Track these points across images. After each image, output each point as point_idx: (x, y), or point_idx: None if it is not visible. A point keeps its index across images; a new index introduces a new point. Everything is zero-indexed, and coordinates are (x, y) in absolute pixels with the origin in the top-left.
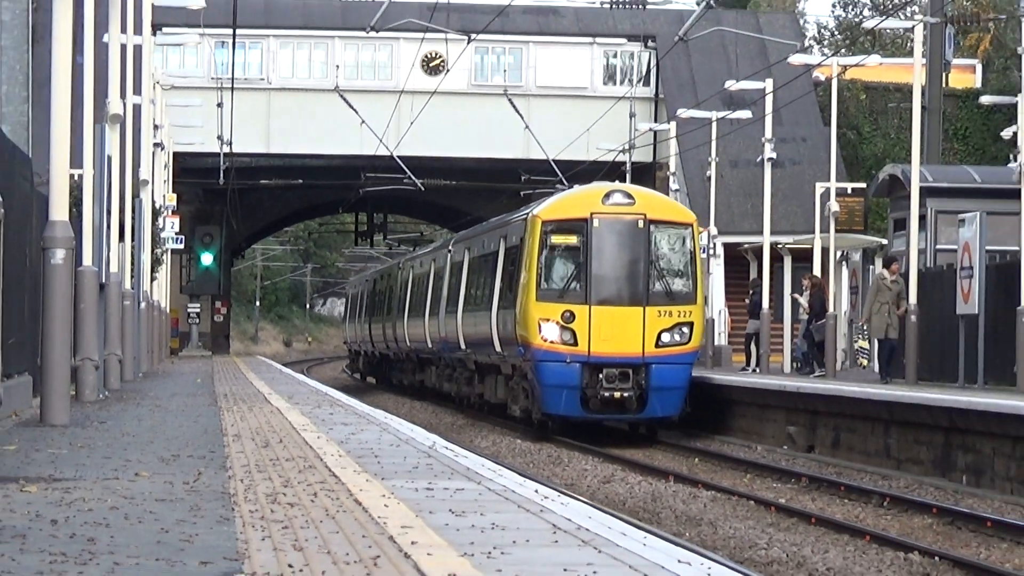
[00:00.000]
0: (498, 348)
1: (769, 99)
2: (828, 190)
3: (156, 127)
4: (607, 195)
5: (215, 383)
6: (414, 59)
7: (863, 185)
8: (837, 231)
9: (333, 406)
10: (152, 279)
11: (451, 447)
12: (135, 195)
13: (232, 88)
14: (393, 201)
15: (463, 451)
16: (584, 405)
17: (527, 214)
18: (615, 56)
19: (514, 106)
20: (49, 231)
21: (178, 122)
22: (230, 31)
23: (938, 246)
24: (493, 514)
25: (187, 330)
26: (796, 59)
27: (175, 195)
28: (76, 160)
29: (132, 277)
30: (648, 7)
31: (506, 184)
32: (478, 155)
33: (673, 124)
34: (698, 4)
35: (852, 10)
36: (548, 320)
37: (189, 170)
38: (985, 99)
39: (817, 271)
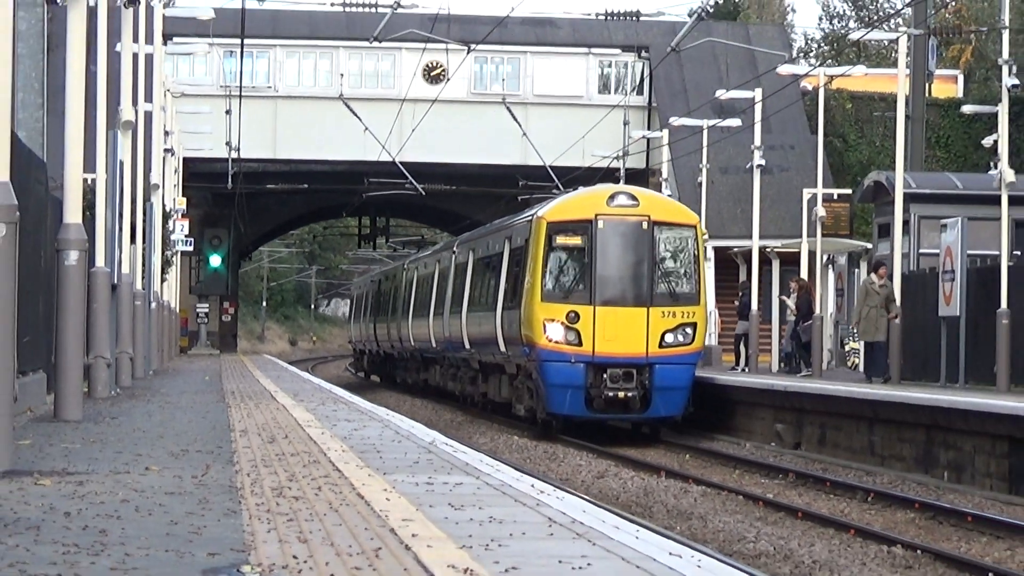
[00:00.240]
0: (502, 348)
1: (758, 108)
2: (815, 196)
3: (167, 133)
4: (611, 197)
5: (223, 381)
6: (416, 68)
7: (849, 191)
8: (823, 235)
9: (337, 403)
10: (162, 280)
11: (451, 443)
12: (146, 199)
13: (240, 96)
14: (395, 205)
15: (462, 447)
16: (588, 405)
17: (532, 215)
18: (610, 66)
19: (512, 114)
20: (63, 233)
21: (188, 129)
22: (238, 41)
23: (921, 250)
24: (491, 508)
25: (196, 329)
26: (784, 69)
27: (185, 199)
28: (89, 165)
29: (143, 278)
30: (642, 19)
31: (504, 189)
32: (477, 161)
33: (666, 132)
34: (690, 16)
35: (839, 22)
36: (553, 320)
37: (198, 175)
38: (967, 108)
39: (804, 274)
